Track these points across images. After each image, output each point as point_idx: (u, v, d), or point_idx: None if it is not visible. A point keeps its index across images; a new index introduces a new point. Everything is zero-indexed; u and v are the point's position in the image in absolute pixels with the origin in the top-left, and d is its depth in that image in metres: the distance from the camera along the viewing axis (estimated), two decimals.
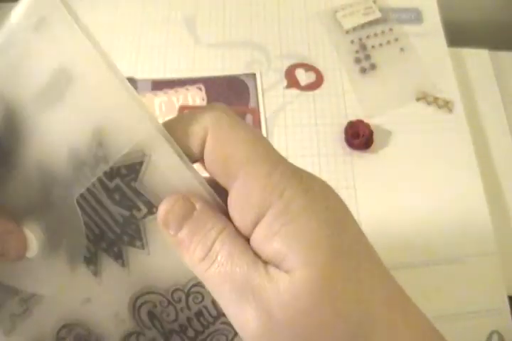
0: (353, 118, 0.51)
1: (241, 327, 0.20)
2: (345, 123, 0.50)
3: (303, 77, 0.54)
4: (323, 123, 0.52)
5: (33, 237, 0.21)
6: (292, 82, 0.54)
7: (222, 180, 0.21)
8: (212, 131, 0.21)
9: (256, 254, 0.20)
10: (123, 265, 0.22)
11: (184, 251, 0.21)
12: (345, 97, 0.53)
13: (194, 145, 0.21)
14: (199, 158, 0.21)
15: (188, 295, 0.23)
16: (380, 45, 0.56)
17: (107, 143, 0.19)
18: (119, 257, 0.22)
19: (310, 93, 0.53)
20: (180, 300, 0.23)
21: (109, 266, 0.22)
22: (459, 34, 0.57)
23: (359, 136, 0.49)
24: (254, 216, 0.20)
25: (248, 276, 0.19)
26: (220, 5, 0.59)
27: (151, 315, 0.23)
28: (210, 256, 0.20)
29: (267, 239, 0.19)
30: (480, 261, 0.45)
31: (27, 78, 0.19)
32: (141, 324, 0.23)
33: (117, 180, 0.20)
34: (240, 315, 0.19)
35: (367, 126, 0.50)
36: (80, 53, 0.19)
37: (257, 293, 0.19)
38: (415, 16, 0.58)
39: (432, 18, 0.58)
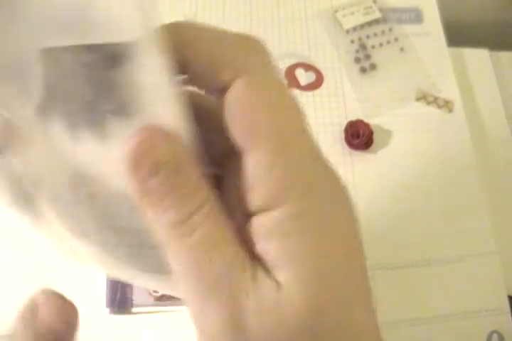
0: (353, 118, 0.51)
1: (201, 326, 0.16)
2: (345, 123, 0.50)
3: (303, 77, 0.54)
4: (323, 123, 0.52)
5: None
6: (292, 82, 0.54)
7: (237, 137, 0.17)
8: (244, 84, 0.17)
9: (243, 242, 0.17)
10: (70, 139, 0.18)
11: (150, 205, 0.16)
12: (345, 97, 0.53)
13: (215, 83, 0.17)
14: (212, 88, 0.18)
15: (132, 208, 0.18)
16: (380, 44, 0.56)
17: (96, 21, 0.16)
18: (69, 130, 0.18)
19: (310, 93, 0.53)
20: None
21: (56, 130, 0.18)
22: (459, 34, 0.57)
23: (359, 136, 0.49)
24: (261, 203, 0.17)
25: (228, 270, 0.16)
26: (220, 5, 0.59)
27: (92, 197, 0.19)
28: (186, 226, 0.16)
29: (267, 236, 0.16)
30: (480, 260, 0.45)
31: None
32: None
33: (94, 57, 0.16)
34: (205, 312, 0.16)
35: (367, 126, 0.50)
36: None
37: (234, 295, 0.16)
38: (415, 16, 0.58)
39: (432, 18, 0.57)
